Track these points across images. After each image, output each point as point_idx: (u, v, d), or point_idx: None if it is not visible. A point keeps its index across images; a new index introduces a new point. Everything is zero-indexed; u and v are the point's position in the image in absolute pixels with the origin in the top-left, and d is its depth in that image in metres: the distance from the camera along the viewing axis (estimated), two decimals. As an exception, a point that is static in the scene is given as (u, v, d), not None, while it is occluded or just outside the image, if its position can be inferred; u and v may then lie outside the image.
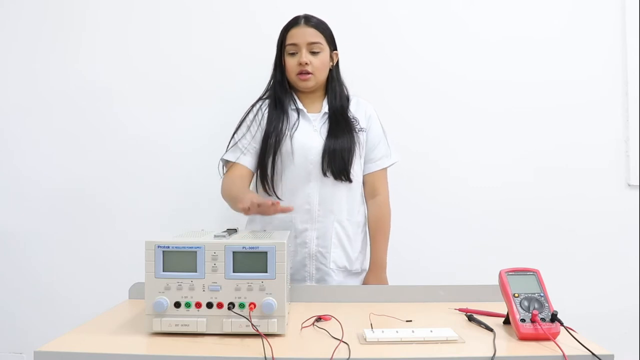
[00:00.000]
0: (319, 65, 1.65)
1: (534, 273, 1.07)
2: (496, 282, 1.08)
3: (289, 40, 1.66)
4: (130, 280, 1.36)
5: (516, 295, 1.03)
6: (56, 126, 2.17)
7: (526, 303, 1.02)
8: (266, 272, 1.01)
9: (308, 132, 1.65)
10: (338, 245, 1.65)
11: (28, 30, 2.18)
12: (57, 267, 2.16)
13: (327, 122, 1.68)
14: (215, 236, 1.08)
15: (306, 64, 1.62)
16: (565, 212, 2.15)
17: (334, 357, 0.89)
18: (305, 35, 1.64)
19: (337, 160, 1.62)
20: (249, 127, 1.68)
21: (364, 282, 1.72)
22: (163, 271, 1.01)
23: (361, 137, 1.69)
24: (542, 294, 1.03)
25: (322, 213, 1.63)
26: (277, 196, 1.63)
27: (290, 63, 1.66)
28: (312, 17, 1.68)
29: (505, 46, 2.17)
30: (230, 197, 1.58)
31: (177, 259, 1.01)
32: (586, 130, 2.17)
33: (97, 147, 2.17)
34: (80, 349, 0.93)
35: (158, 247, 1.01)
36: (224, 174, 1.70)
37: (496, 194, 2.17)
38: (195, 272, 1.01)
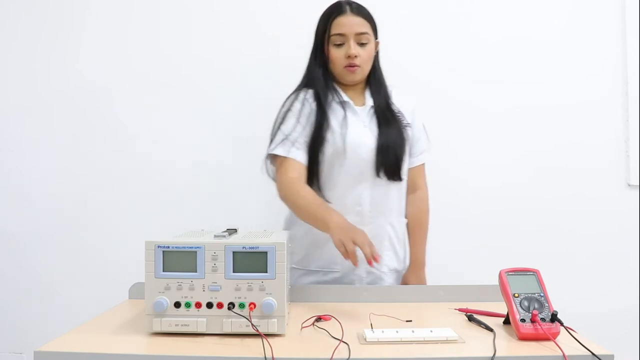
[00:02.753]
0: (366, 57, 1.53)
1: (534, 273, 1.07)
2: (496, 282, 1.08)
3: (335, 30, 1.51)
4: (130, 280, 1.36)
5: (516, 295, 1.03)
6: (56, 126, 2.17)
7: (526, 303, 1.02)
8: (266, 272, 1.01)
9: (359, 128, 1.53)
10: (390, 248, 1.57)
11: (28, 30, 2.18)
12: (57, 267, 2.16)
13: (374, 116, 1.56)
14: (215, 236, 1.08)
15: (355, 56, 1.50)
16: (565, 212, 2.15)
17: (334, 357, 0.89)
18: (353, 25, 1.50)
19: (391, 159, 1.52)
20: (297, 119, 1.51)
21: (403, 281, 1.65)
22: (163, 271, 1.01)
23: (409, 133, 1.60)
24: (542, 294, 1.03)
25: (374, 214, 1.53)
26: (326, 199, 1.50)
27: (337, 55, 1.52)
28: (355, 2, 1.55)
29: (505, 46, 2.17)
30: (308, 214, 1.39)
31: (177, 259, 1.01)
32: (586, 130, 2.16)
33: (97, 146, 2.17)
34: (80, 349, 0.93)
35: (158, 247, 1.01)
36: (274, 171, 1.53)
37: (496, 194, 2.16)
38: (195, 272, 1.01)
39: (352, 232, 1.23)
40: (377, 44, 1.59)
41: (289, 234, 1.24)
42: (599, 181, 2.16)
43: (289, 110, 1.54)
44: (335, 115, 1.53)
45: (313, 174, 1.51)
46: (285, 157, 1.48)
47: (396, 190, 1.58)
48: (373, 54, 1.57)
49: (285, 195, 1.46)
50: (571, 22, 2.18)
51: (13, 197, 2.18)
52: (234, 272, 1.01)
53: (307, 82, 1.58)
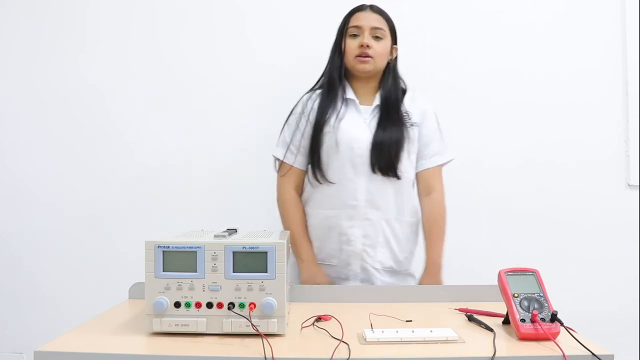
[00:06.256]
0: (379, 51, 1.59)
1: (534, 273, 1.07)
2: (496, 282, 1.09)
3: (352, 23, 1.61)
4: (130, 280, 1.36)
5: (516, 295, 1.03)
6: (55, 127, 2.17)
7: (526, 303, 1.02)
8: (266, 272, 1.01)
9: (357, 123, 1.60)
10: (385, 245, 1.60)
11: (27, 32, 2.17)
12: (57, 267, 2.16)
13: (377, 115, 1.61)
14: (215, 236, 1.08)
15: (368, 46, 1.57)
16: (565, 213, 2.15)
17: (334, 357, 0.89)
18: (369, 19, 1.60)
19: (385, 155, 1.56)
20: (297, 123, 1.63)
21: (420, 284, 1.65)
22: (163, 271, 1.01)
23: (411, 132, 1.61)
24: (541, 294, 1.03)
25: (368, 210, 1.58)
26: (330, 182, 1.60)
27: (351, 45, 1.60)
28: (378, 6, 1.66)
29: (504, 45, 2.17)
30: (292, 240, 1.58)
31: (177, 259, 1.01)
32: (586, 130, 2.17)
33: (97, 147, 2.17)
34: (80, 349, 0.93)
35: (158, 247, 1.01)
36: (277, 172, 1.68)
37: (495, 193, 2.16)
38: (195, 272, 1.01)
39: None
40: (394, 49, 1.66)
41: (289, 235, 1.24)
42: (599, 181, 2.16)
43: (291, 113, 1.67)
44: (335, 111, 1.60)
45: (314, 164, 1.61)
46: (287, 164, 1.63)
47: (394, 189, 1.60)
48: (388, 51, 1.63)
49: (282, 208, 1.67)
50: (571, 21, 2.18)
51: (14, 197, 2.18)
52: (234, 272, 1.01)
53: (324, 76, 1.67)
